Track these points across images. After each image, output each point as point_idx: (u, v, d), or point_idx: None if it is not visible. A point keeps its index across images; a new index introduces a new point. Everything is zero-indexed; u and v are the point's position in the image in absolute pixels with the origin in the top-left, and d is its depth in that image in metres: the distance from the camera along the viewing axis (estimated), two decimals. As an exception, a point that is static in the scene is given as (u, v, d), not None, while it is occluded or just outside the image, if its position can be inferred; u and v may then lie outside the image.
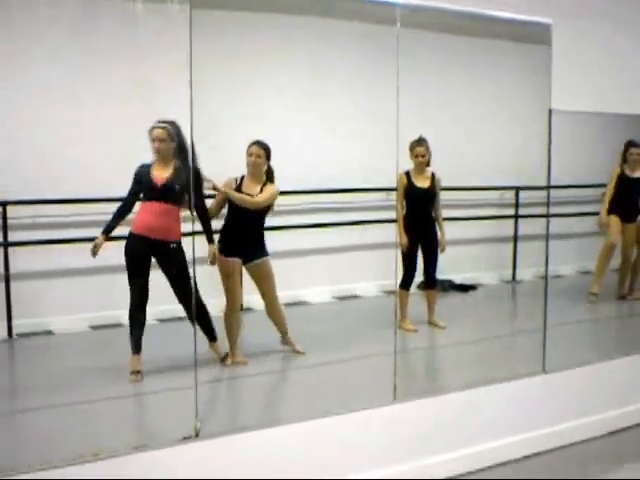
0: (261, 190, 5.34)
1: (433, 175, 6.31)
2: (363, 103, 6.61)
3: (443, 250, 6.34)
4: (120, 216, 4.98)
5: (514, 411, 4.94)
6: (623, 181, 7.44)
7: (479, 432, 4.79)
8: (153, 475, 3.72)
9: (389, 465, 4.43)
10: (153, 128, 4.97)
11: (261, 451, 4.05)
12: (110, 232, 4.93)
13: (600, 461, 4.94)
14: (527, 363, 5.18)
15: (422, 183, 6.27)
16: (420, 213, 6.31)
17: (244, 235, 5.35)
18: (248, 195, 5.31)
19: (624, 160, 7.46)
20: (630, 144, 7.43)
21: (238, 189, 5.36)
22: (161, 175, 4.99)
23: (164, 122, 4.95)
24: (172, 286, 5.03)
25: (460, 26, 5.52)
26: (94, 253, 4.87)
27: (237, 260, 5.35)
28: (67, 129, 5.58)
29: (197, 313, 4.78)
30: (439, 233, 6.33)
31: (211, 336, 5.26)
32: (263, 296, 5.52)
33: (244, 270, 5.42)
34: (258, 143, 5.35)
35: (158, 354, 5.13)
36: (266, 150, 5.36)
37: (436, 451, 4.61)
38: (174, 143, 4.98)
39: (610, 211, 7.46)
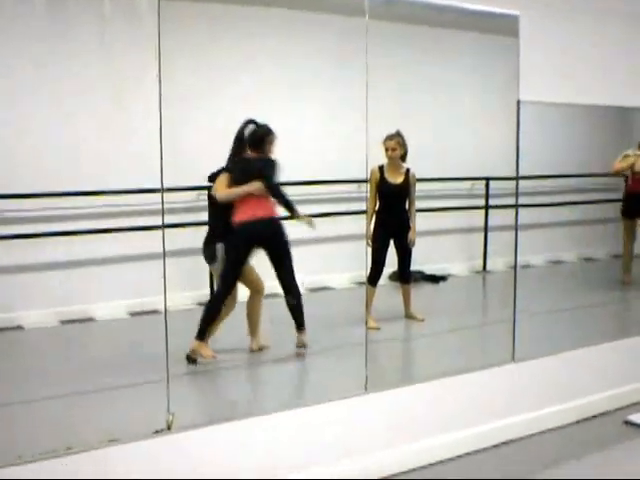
0: None
1: (408, 170, 6.23)
2: (335, 95, 6.58)
3: (413, 245, 6.26)
4: None
5: (484, 400, 4.98)
6: None
7: (449, 421, 4.83)
8: (125, 468, 3.72)
9: (360, 456, 4.44)
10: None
11: (234, 444, 4.06)
12: None
13: (569, 449, 4.98)
14: (497, 352, 5.22)
15: (395, 178, 6.20)
16: (392, 208, 6.27)
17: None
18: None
19: None
20: None
21: None
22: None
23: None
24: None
25: (428, 18, 5.53)
26: None
27: None
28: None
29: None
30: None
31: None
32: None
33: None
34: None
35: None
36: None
37: (408, 440, 4.64)
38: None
39: None
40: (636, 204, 7.63)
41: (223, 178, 5.23)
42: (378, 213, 6.21)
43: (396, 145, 6.14)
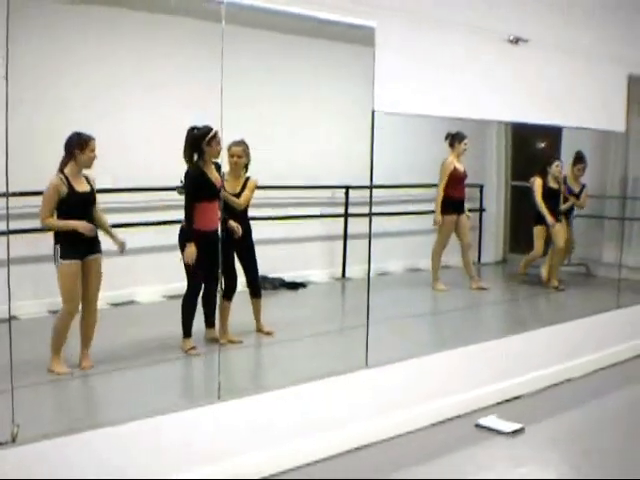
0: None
1: (247, 180, 6.00)
2: (189, 100, 6.50)
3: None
4: None
5: (336, 406, 5.01)
6: None
7: (301, 428, 4.83)
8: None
9: (214, 463, 4.40)
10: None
11: (80, 455, 3.94)
12: None
13: (420, 452, 5.06)
14: (352, 358, 5.25)
15: (234, 187, 5.96)
16: (234, 218, 5.88)
17: None
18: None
19: None
20: None
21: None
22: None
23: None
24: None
25: (287, 26, 5.55)
26: None
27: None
28: None
29: None
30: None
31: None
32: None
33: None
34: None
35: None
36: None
37: (261, 447, 4.62)
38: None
39: None
40: (451, 205, 8.04)
41: None
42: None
43: (242, 152, 5.95)
